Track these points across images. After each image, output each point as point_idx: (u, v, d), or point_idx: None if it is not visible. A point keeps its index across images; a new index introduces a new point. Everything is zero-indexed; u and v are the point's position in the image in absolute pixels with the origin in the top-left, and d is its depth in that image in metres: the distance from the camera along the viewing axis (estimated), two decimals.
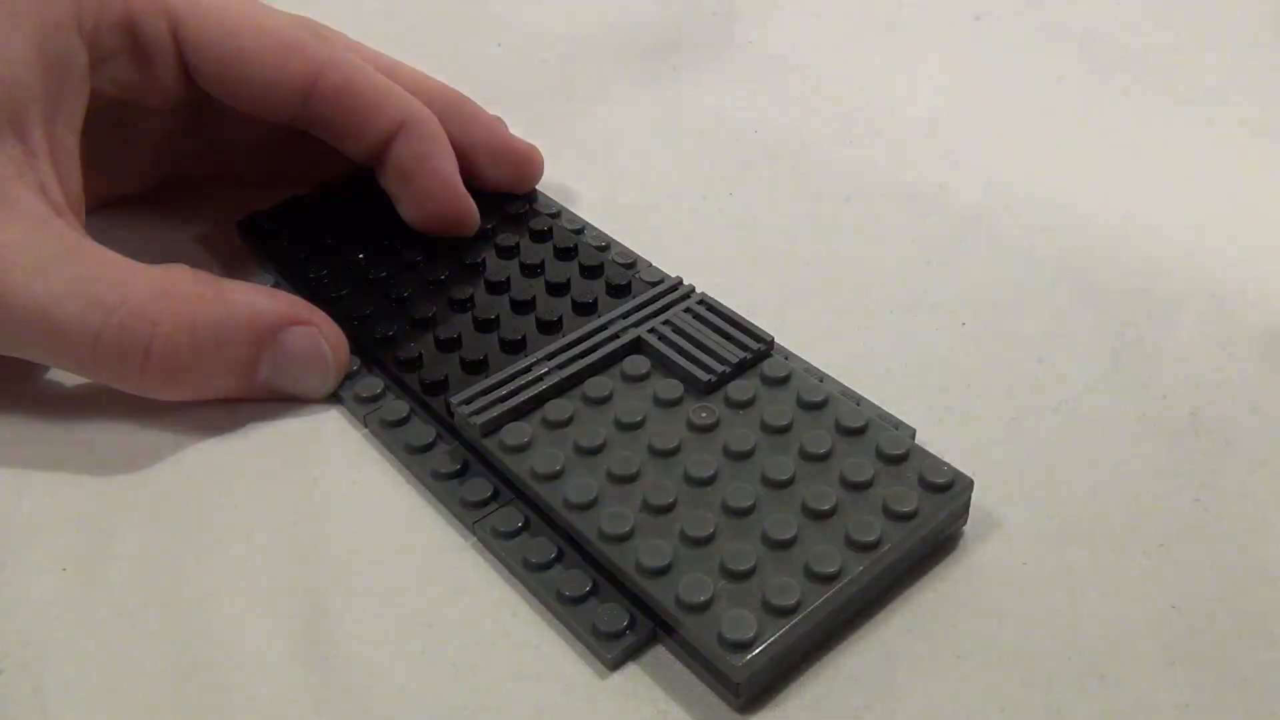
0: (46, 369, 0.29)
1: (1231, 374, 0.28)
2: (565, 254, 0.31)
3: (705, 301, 0.28)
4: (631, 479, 0.23)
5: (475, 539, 0.24)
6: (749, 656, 0.20)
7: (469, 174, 0.32)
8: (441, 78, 0.34)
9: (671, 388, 0.25)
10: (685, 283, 0.29)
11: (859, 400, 0.26)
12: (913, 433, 0.25)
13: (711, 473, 0.23)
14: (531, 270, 0.30)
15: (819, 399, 0.25)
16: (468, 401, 0.25)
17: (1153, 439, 0.26)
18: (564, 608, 0.22)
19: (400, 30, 0.46)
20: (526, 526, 0.24)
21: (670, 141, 0.39)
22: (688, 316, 0.27)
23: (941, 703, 0.21)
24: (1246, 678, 0.21)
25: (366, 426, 0.27)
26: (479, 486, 0.25)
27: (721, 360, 0.26)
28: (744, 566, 0.21)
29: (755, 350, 0.26)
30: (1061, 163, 0.37)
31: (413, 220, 0.31)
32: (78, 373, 0.27)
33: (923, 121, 0.40)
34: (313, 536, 0.24)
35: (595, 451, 0.24)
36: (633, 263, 0.31)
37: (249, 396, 0.27)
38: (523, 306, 0.29)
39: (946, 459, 0.23)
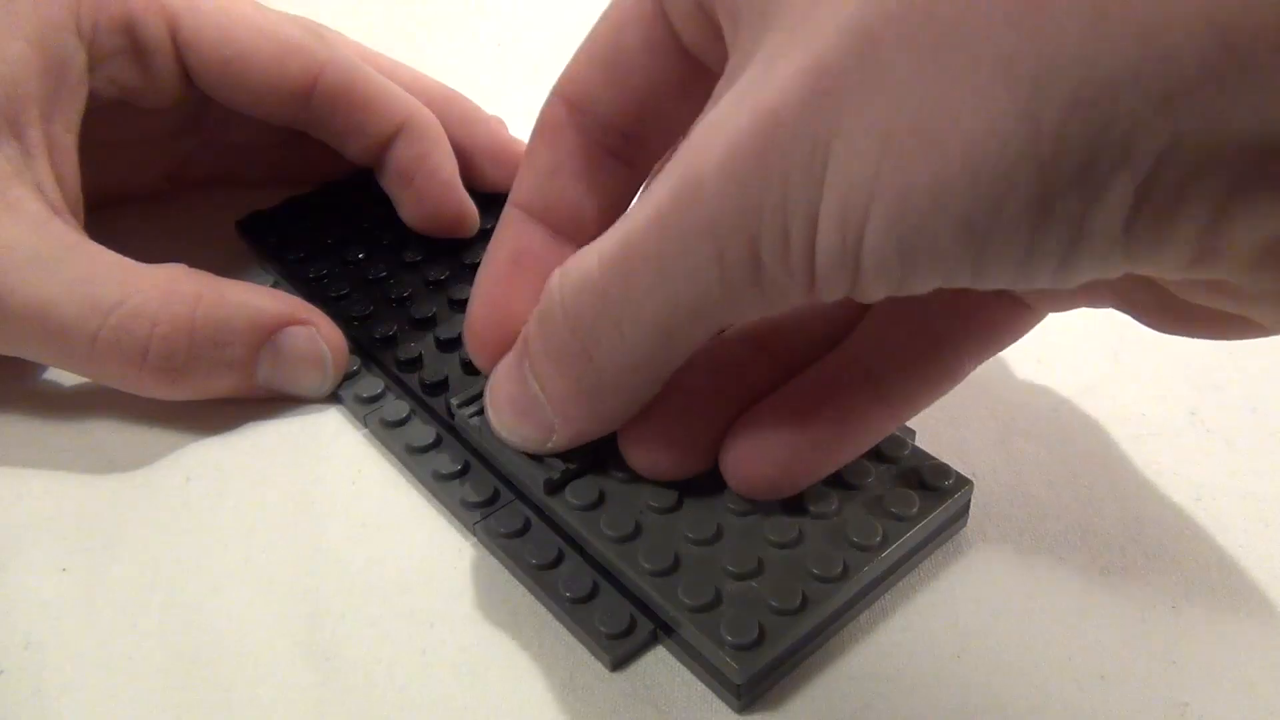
0: (45, 368, 0.29)
1: (1231, 374, 0.28)
2: None
3: None
4: (633, 481, 0.23)
5: (476, 539, 0.24)
6: (750, 658, 0.20)
7: (469, 175, 0.32)
8: (441, 78, 0.34)
9: None
10: None
11: None
12: (913, 434, 0.25)
13: (714, 474, 0.23)
14: None
15: None
16: (468, 402, 0.25)
17: (1152, 439, 0.26)
18: (565, 608, 0.22)
19: (400, 30, 0.46)
20: (527, 527, 0.24)
21: None
22: None
23: (941, 704, 0.21)
24: (1246, 678, 0.21)
25: (367, 426, 0.27)
26: (479, 487, 0.25)
27: None
28: (745, 568, 0.21)
29: None
30: None
31: (412, 221, 0.31)
32: (76, 372, 0.27)
33: None
34: (313, 537, 0.24)
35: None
36: None
37: (247, 396, 0.27)
38: None
39: (946, 460, 0.23)
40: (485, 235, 0.32)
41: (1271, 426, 0.27)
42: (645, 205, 0.18)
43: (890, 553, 0.22)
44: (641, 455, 0.22)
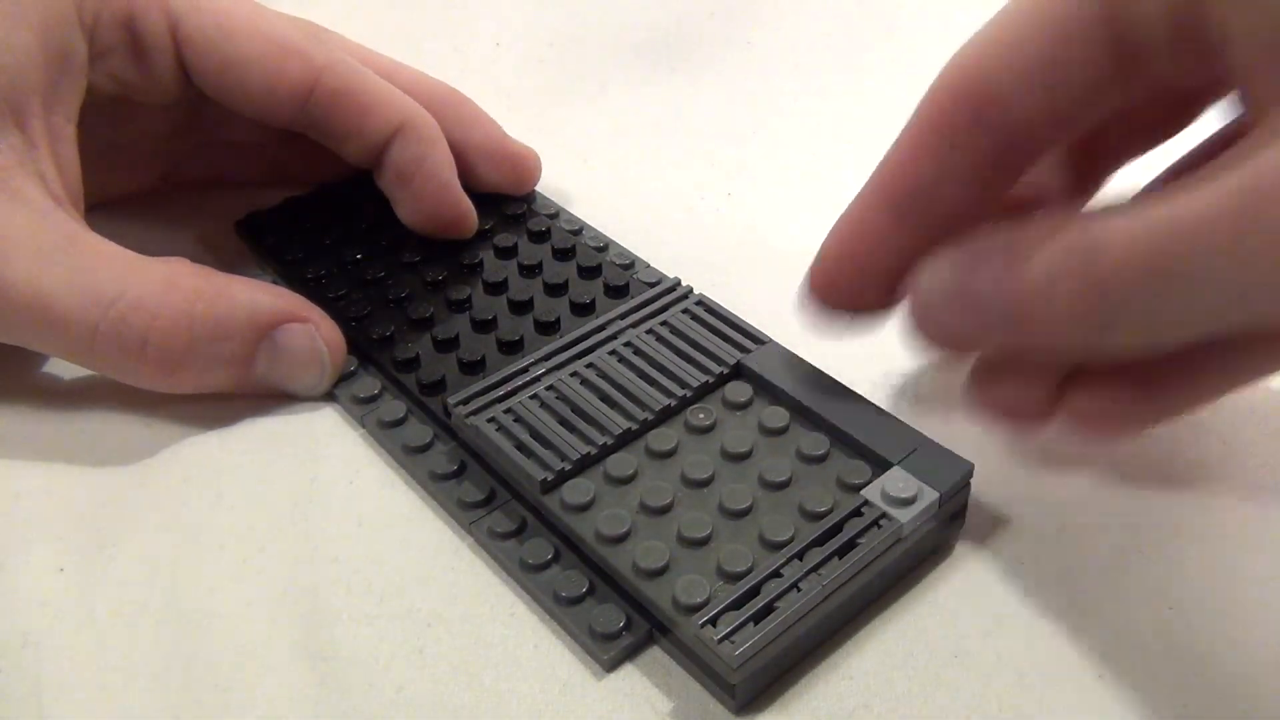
0: (45, 359, 0.29)
1: None
2: (563, 254, 0.31)
3: (703, 302, 0.28)
4: (628, 480, 0.23)
5: (472, 539, 0.24)
6: (746, 658, 0.20)
7: (466, 176, 0.32)
8: (441, 77, 0.34)
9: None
10: (683, 284, 0.29)
11: (857, 399, 0.26)
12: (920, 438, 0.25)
13: (709, 474, 0.23)
14: (529, 271, 0.30)
15: None
16: (465, 402, 0.25)
17: (1150, 440, 0.26)
18: (561, 608, 0.22)
19: (400, 29, 0.46)
20: (523, 527, 0.24)
21: (669, 141, 0.39)
22: (685, 318, 0.27)
23: (939, 703, 0.21)
24: (1244, 678, 0.21)
25: (364, 426, 0.27)
26: (476, 487, 0.25)
27: (719, 361, 0.26)
28: (740, 568, 0.21)
29: (753, 352, 0.26)
30: None
31: (411, 222, 0.32)
32: (76, 363, 0.27)
33: None
34: (311, 536, 0.24)
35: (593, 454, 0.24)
36: (631, 263, 0.31)
37: (245, 391, 0.27)
38: (521, 307, 0.29)
39: None
40: (483, 235, 0.32)
41: (1269, 427, 0.27)
42: None
43: (888, 553, 0.22)
44: None
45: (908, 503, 0.22)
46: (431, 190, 0.31)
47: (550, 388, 0.25)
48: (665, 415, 0.25)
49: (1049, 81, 0.20)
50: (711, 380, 0.25)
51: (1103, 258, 0.19)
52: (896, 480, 0.22)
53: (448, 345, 0.28)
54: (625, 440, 0.24)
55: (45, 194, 0.26)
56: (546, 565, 0.23)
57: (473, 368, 0.27)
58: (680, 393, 0.25)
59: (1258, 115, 0.18)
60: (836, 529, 0.22)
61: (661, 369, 0.26)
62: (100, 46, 0.28)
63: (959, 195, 0.22)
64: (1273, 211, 0.17)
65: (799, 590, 0.21)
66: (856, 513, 0.22)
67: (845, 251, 0.24)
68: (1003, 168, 0.22)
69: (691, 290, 0.29)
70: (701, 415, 0.25)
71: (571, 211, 0.33)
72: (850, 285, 0.24)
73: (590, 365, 0.26)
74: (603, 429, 0.24)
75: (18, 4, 0.26)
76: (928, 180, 0.22)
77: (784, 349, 0.26)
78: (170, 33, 0.29)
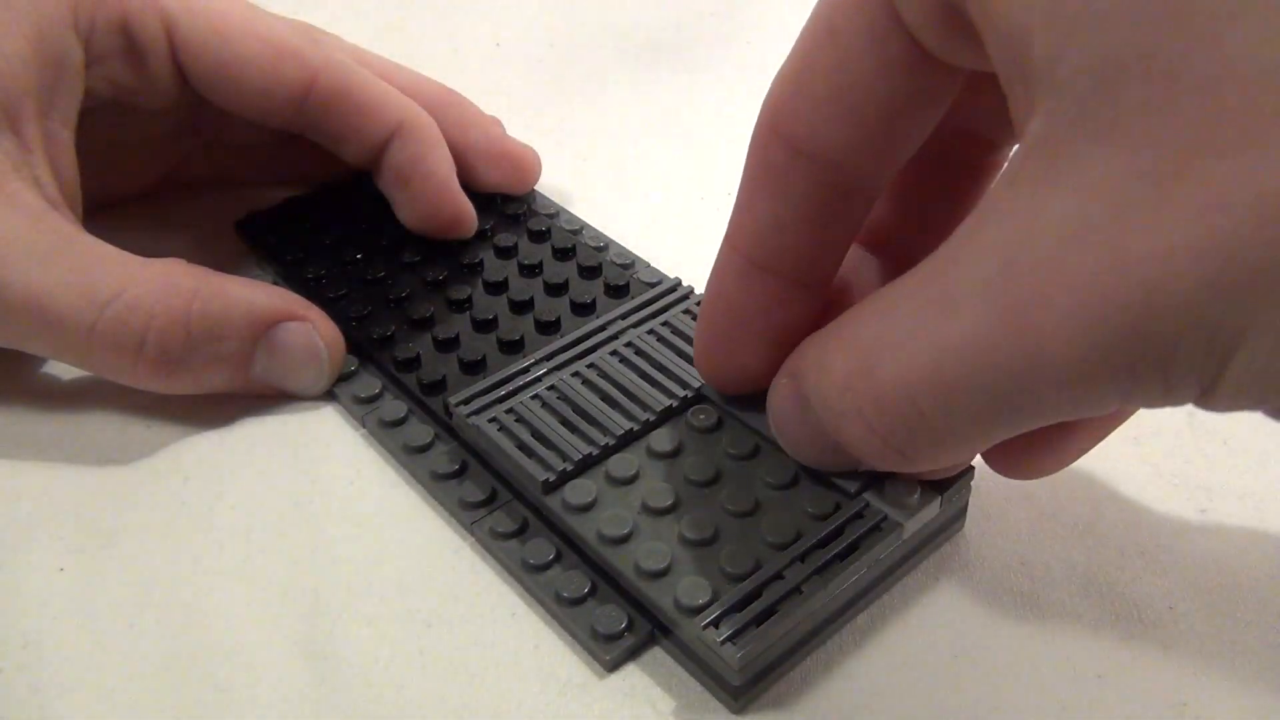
0: (44, 361, 0.29)
1: None
2: (563, 254, 0.31)
3: None
4: (630, 481, 0.23)
5: (473, 540, 0.24)
6: (747, 659, 0.20)
7: (466, 176, 0.32)
8: (440, 77, 0.34)
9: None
10: (683, 283, 0.29)
11: None
12: None
13: (711, 475, 0.23)
14: (530, 270, 0.30)
15: None
16: (466, 401, 0.25)
17: (1151, 439, 0.26)
18: (562, 609, 0.22)
19: (399, 30, 0.46)
20: (525, 527, 0.24)
21: (670, 141, 0.39)
22: (686, 318, 0.27)
23: (939, 703, 0.21)
24: (1244, 678, 0.21)
25: (365, 426, 0.27)
26: (477, 487, 0.25)
27: None
28: (743, 569, 0.21)
29: None
30: None
31: (410, 223, 0.31)
32: (73, 364, 0.27)
33: None
34: (311, 537, 0.24)
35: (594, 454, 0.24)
36: (631, 263, 0.31)
37: (243, 391, 0.27)
38: (521, 307, 0.29)
39: None
40: (483, 235, 0.32)
41: (1269, 427, 0.27)
42: (953, 322, 0.17)
43: (888, 554, 0.22)
44: None
45: (909, 504, 0.22)
46: (430, 191, 0.31)
47: (551, 388, 0.25)
48: (667, 416, 0.25)
49: (849, 107, 0.19)
50: None
51: (865, 412, 0.19)
52: (898, 482, 0.22)
53: (448, 345, 0.28)
54: (627, 440, 0.24)
55: (40, 197, 0.26)
56: (548, 566, 0.23)
57: (473, 367, 0.27)
58: (682, 393, 0.25)
59: (1018, 132, 0.16)
60: (839, 531, 0.22)
61: (663, 369, 0.26)
62: (96, 51, 0.28)
63: (806, 241, 0.21)
64: (1036, 364, 0.15)
65: (801, 593, 0.21)
66: (858, 515, 0.22)
67: (717, 323, 0.22)
68: (838, 208, 0.21)
69: (692, 290, 0.29)
70: (703, 416, 0.25)
71: (571, 211, 0.33)
72: (731, 357, 0.23)
73: (591, 365, 0.26)
74: (604, 429, 0.24)
75: (11, 10, 0.26)
76: (768, 227, 0.21)
77: None
78: (166, 36, 0.29)
